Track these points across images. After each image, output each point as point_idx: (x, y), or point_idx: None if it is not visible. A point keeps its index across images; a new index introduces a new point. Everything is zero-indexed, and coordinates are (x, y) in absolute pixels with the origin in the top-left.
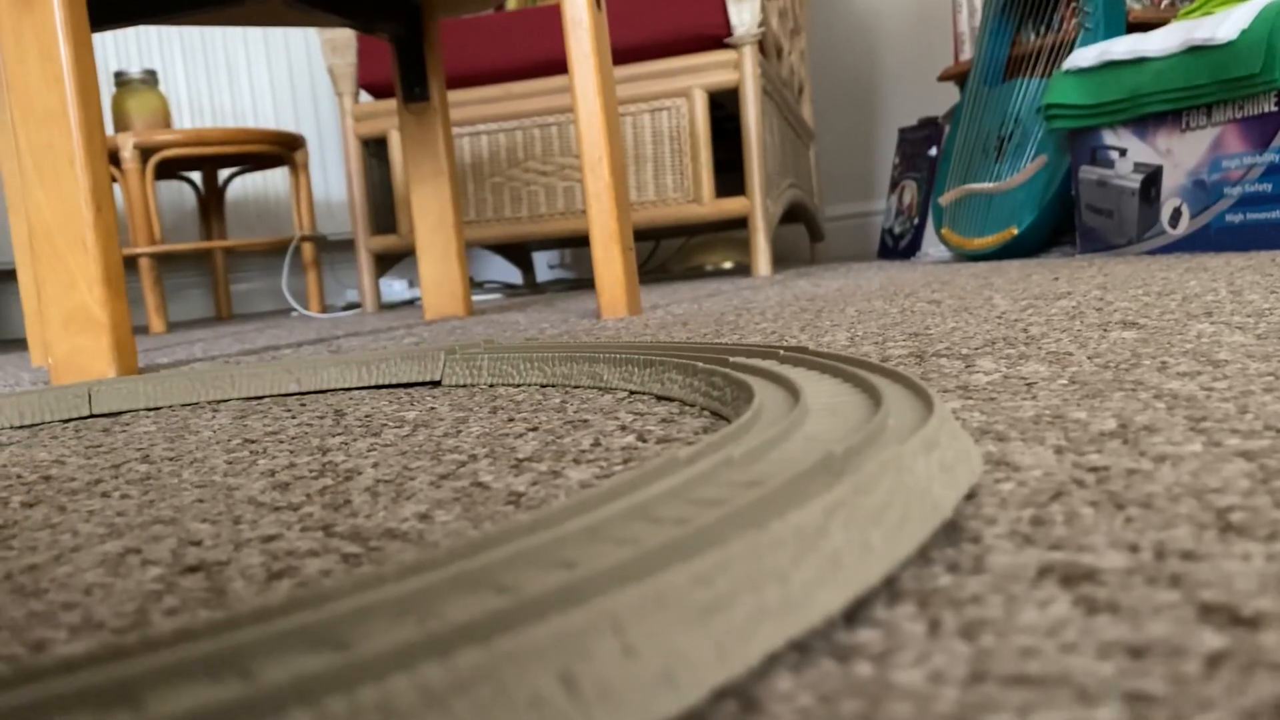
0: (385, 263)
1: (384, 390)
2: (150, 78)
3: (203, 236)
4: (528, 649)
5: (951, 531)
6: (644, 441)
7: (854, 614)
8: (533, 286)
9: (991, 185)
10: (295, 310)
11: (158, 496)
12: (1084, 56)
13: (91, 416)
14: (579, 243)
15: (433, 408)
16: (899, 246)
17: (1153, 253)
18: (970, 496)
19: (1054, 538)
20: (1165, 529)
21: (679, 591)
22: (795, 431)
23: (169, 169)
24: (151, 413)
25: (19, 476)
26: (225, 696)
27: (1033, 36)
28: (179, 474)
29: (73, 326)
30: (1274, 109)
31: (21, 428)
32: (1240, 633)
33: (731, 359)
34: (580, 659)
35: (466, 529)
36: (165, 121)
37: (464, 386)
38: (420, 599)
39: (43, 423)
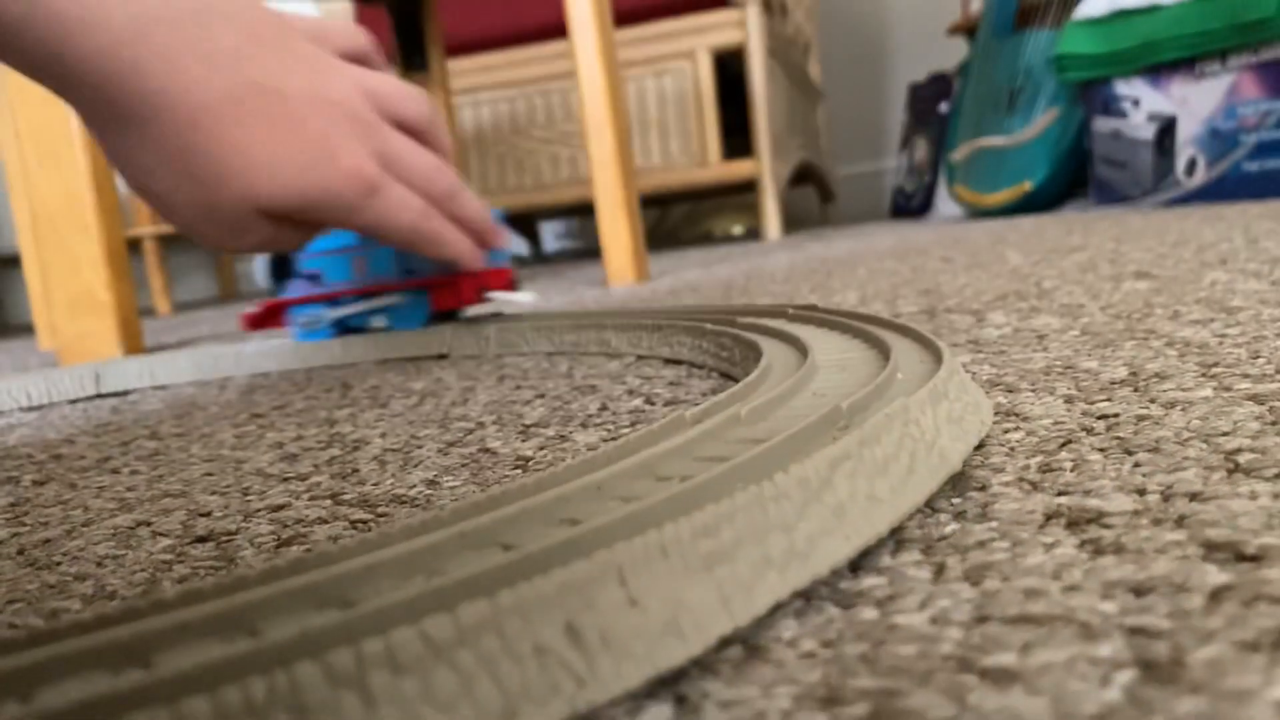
0: None
1: (391, 363)
2: None
3: None
4: (531, 600)
5: (959, 481)
6: (651, 404)
7: (859, 562)
8: (539, 257)
9: (1004, 140)
10: None
11: (167, 471)
12: (1095, 5)
13: (99, 396)
14: (585, 211)
15: (440, 378)
16: (911, 204)
17: (1169, 204)
18: (979, 447)
19: (1061, 484)
20: (1173, 472)
21: (682, 543)
22: (803, 388)
23: None
24: (158, 391)
25: (29, 456)
26: (232, 652)
27: None
28: (187, 449)
29: (78, 309)
30: None
31: (31, 409)
32: (1244, 568)
33: (739, 319)
34: (584, 610)
35: (474, 493)
36: None
37: (471, 357)
38: (425, 558)
39: (51, 403)
